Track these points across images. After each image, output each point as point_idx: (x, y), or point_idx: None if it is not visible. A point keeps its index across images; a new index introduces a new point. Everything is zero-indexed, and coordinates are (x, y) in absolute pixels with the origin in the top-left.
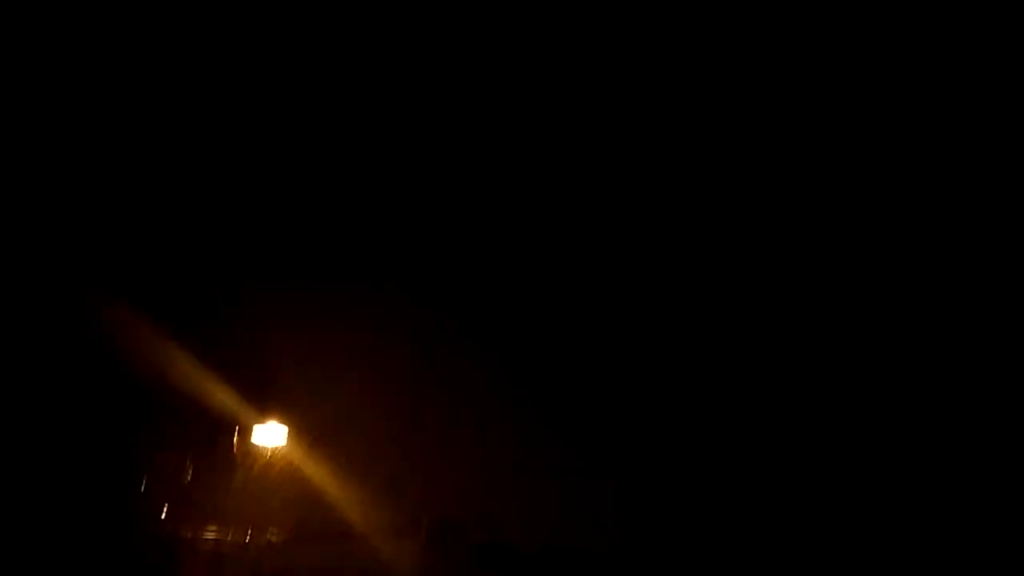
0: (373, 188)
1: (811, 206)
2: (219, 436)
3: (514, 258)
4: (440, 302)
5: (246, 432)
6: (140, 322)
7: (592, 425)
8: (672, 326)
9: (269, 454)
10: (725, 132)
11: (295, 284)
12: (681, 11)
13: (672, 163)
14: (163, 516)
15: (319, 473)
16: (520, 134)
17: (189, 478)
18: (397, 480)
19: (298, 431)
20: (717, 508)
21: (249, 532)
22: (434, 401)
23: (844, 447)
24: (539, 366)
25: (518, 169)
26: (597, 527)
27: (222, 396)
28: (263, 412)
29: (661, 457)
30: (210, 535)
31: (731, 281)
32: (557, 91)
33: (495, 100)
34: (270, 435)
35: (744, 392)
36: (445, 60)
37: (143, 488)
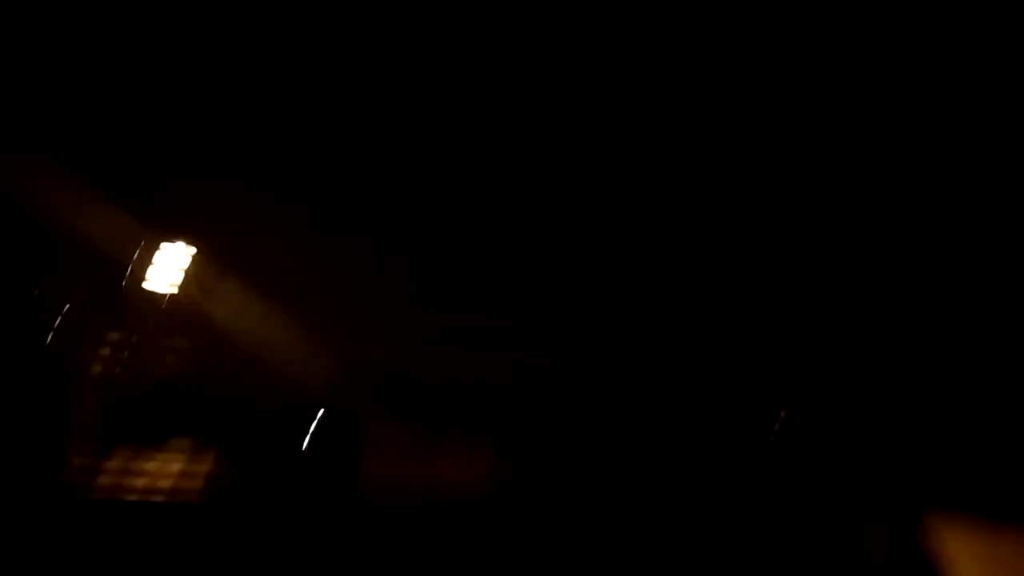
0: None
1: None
2: (111, 262)
3: None
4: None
5: (145, 259)
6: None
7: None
8: None
9: (167, 299)
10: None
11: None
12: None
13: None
14: (49, 341)
15: (234, 314)
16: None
17: (79, 304)
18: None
19: (206, 257)
20: None
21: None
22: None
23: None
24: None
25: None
26: None
27: (112, 215)
28: (164, 233)
29: None
30: (100, 363)
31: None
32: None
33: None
34: (174, 263)
35: None
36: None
37: (28, 313)
